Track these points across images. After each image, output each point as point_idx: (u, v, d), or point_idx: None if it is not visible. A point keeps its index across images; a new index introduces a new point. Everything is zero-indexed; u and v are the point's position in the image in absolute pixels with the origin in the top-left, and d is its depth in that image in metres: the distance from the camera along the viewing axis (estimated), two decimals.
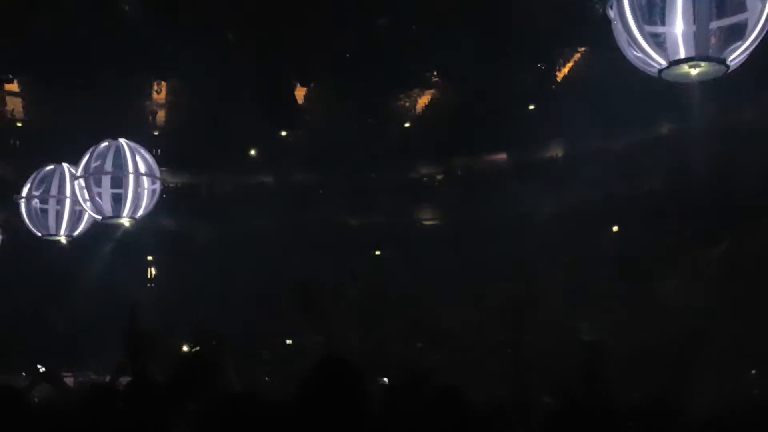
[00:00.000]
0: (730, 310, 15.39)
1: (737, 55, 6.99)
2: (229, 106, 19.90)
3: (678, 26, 6.95)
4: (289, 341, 21.19)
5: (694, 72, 7.28)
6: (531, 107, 21.24)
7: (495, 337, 16.43)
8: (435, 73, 22.30)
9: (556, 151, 21.36)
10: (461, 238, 21.52)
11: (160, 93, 20.85)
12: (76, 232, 13.42)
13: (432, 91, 22.61)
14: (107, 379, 6.37)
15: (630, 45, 7.80)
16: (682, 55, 6.98)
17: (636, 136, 19.98)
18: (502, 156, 22.12)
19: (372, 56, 21.12)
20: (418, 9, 19.83)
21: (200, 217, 20.44)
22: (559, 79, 21.21)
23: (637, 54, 7.82)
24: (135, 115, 20.24)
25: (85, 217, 13.29)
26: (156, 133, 20.36)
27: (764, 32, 7.14)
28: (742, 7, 6.91)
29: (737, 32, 6.98)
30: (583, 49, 20.39)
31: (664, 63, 7.42)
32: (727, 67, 7.18)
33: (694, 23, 6.80)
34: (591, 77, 19.69)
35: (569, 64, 20.98)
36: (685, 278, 18.61)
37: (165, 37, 19.69)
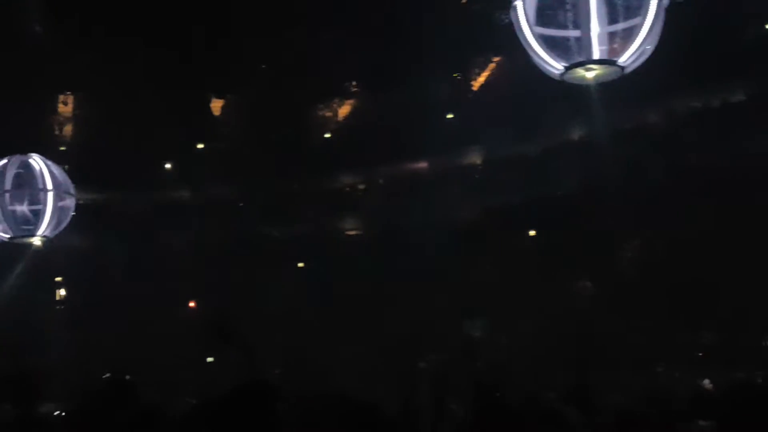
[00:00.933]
0: (641, 309, 15.69)
1: (629, 57, 7.09)
2: (142, 119, 19.51)
3: (576, 30, 7.02)
4: (210, 359, 20.85)
5: (589, 75, 7.38)
6: (449, 115, 21.41)
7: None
8: (354, 83, 22.37)
9: (475, 158, 21.57)
10: (384, 247, 21.51)
11: (67, 105, 20.28)
12: None
13: (352, 100, 22.61)
14: None
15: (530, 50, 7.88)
16: (577, 59, 7.07)
17: (550, 142, 20.31)
18: (423, 164, 22.22)
19: (290, 67, 21.05)
20: (335, 20, 19.87)
21: (113, 234, 19.89)
22: (475, 88, 21.47)
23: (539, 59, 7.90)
24: (41, 129, 19.68)
25: None
26: (63, 148, 19.79)
27: (656, 35, 7.28)
28: (636, 12, 7.03)
29: (632, 36, 7.10)
30: (497, 58, 20.66)
31: (560, 68, 7.51)
32: (622, 69, 7.28)
33: (586, 28, 6.90)
34: (506, 85, 19.96)
35: (485, 73, 21.23)
36: (599, 279, 18.91)
37: (73, 48, 19.26)
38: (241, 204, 22.34)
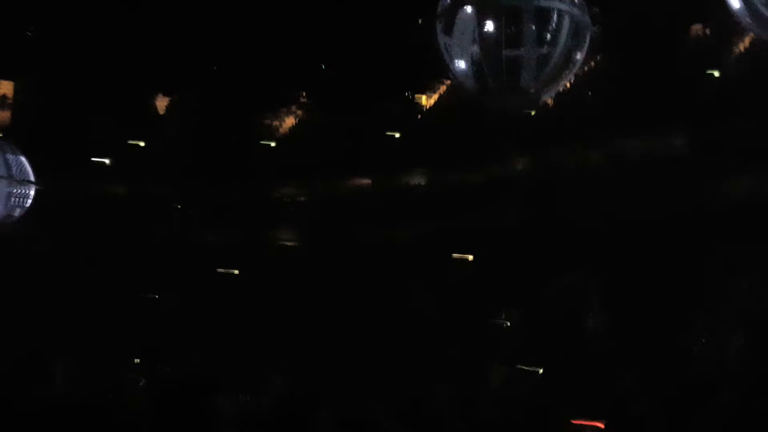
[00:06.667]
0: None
1: (541, 87, 6.89)
2: (82, 109, 19.14)
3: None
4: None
5: (502, 102, 7.17)
6: (396, 135, 21.25)
7: None
8: (303, 94, 22.15)
9: (419, 179, 21.41)
10: (321, 261, 21.28)
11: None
12: None
13: (299, 111, 22.36)
14: None
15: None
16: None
17: (494, 171, 20.21)
18: (366, 181, 22.02)
19: (240, 72, 20.79)
20: (288, 29, 19.68)
21: (40, 225, 19.33)
22: (425, 110, 21.36)
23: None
24: None
25: None
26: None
27: (572, 67, 7.11)
28: (548, 41, 6.80)
29: (543, 65, 6.90)
30: (449, 81, 20.56)
31: (474, 91, 7.30)
32: (534, 98, 7.07)
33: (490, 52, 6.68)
34: (456, 110, 19.85)
35: (435, 95, 21.13)
36: (533, 310, 18.79)
37: (18, 31, 18.88)
38: (179, 206, 21.96)
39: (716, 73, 16.73)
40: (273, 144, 22.13)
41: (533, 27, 6.48)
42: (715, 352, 13.57)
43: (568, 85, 15.23)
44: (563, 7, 6.64)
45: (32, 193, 13.37)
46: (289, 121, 22.30)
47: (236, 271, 22.54)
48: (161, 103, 21.66)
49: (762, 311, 15.27)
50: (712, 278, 16.48)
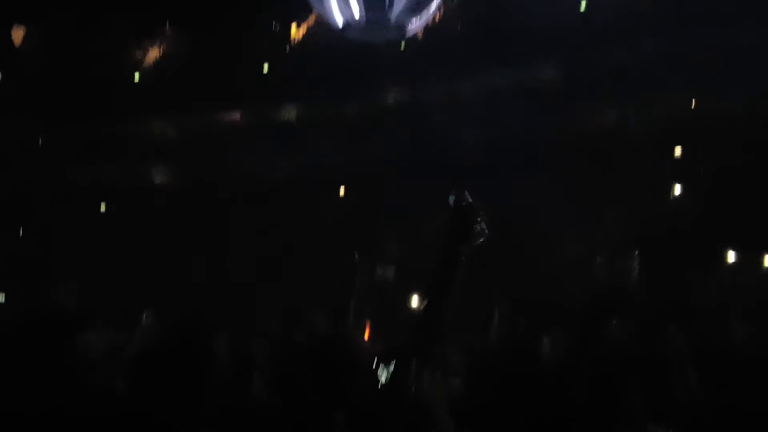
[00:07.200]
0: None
1: (403, 20, 7.00)
2: None
3: None
4: None
5: (365, 34, 7.28)
6: (266, 68, 20.94)
7: None
8: (168, 26, 21.42)
9: (290, 114, 21.31)
10: (194, 200, 21.08)
11: None
12: None
13: (165, 44, 21.67)
14: None
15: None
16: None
17: (367, 106, 20.37)
18: (237, 116, 21.74)
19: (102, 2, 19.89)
20: None
21: None
22: (295, 42, 21.06)
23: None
24: None
25: None
26: None
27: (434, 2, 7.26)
28: None
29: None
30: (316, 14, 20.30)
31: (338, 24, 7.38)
32: (398, 32, 7.19)
33: None
34: (326, 42, 19.71)
35: (306, 28, 20.85)
36: (406, 250, 19.13)
37: None
38: (42, 143, 21.10)
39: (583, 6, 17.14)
40: (138, 78, 21.43)
41: None
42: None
43: (436, 19, 15.35)
44: None
45: None
46: (154, 54, 21.60)
47: (103, 208, 21.98)
48: (17, 33, 20.54)
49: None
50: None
